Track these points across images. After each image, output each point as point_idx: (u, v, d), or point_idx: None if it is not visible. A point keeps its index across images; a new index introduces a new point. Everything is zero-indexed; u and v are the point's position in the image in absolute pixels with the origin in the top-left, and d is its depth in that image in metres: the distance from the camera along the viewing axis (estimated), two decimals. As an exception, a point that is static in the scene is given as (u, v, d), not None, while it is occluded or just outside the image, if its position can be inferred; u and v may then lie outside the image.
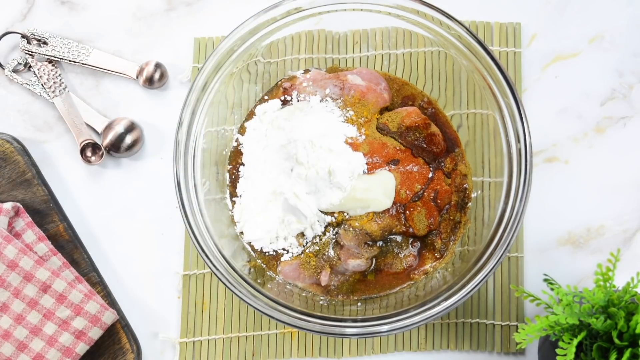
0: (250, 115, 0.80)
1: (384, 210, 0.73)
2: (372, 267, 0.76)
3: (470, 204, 0.77)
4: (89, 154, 0.82)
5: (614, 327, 0.63)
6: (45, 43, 0.84)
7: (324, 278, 0.75)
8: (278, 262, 0.76)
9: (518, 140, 0.70)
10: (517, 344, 0.77)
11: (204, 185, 0.74)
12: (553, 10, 0.85)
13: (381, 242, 0.75)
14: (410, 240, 0.76)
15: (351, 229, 0.73)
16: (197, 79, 0.73)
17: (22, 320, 0.75)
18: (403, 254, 0.76)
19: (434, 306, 0.68)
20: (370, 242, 0.74)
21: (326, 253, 0.75)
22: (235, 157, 0.79)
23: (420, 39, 0.78)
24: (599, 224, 0.81)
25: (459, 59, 0.75)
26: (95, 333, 0.76)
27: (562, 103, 0.82)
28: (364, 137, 0.75)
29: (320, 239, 0.75)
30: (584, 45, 0.84)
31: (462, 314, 0.79)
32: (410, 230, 0.74)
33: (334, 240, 0.75)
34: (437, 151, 0.77)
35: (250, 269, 0.75)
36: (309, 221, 0.74)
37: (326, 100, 0.78)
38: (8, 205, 0.77)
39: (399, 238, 0.76)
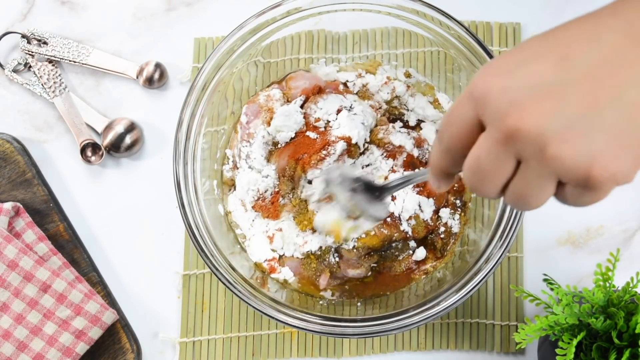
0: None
1: (381, 224, 0.73)
2: (370, 273, 0.76)
3: (470, 204, 0.77)
4: (89, 154, 0.82)
5: (614, 327, 0.63)
6: (45, 43, 0.84)
7: (323, 282, 0.75)
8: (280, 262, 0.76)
9: (518, 140, 0.70)
10: (516, 343, 0.77)
11: (204, 185, 0.74)
12: (553, 10, 0.85)
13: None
14: (410, 243, 0.75)
15: (354, 249, 0.73)
16: (197, 79, 0.73)
17: (22, 320, 0.75)
18: (402, 257, 0.76)
19: (433, 306, 0.68)
20: (371, 253, 0.74)
21: (327, 259, 0.75)
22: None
23: (420, 39, 0.78)
24: (599, 224, 0.81)
25: (459, 59, 0.75)
26: (95, 333, 0.76)
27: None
28: None
29: (321, 248, 0.74)
30: (584, 45, 0.84)
31: (462, 314, 0.79)
32: (409, 234, 0.74)
33: (334, 249, 0.74)
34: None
35: (250, 268, 0.75)
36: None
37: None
38: (8, 205, 0.77)
39: (398, 242, 0.75)
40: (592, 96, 0.41)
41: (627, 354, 0.61)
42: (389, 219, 0.73)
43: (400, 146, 0.75)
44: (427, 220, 0.74)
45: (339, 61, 0.82)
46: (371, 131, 0.77)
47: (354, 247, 0.72)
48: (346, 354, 0.79)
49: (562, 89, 0.41)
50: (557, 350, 0.63)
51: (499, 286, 0.79)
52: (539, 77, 0.42)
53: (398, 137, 0.76)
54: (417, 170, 0.69)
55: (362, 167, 0.75)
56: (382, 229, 0.72)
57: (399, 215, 0.73)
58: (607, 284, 0.65)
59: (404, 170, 0.74)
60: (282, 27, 0.76)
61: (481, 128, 0.45)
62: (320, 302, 0.75)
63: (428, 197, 0.74)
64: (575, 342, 0.62)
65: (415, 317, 0.68)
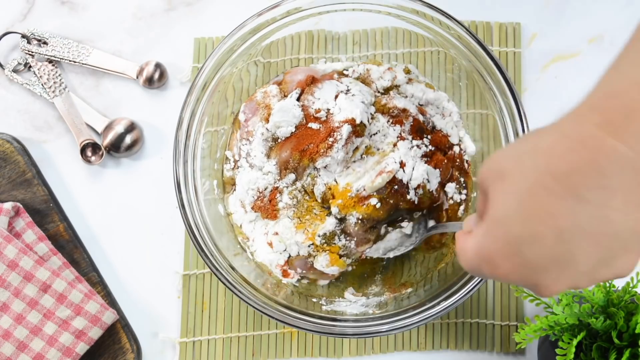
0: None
1: (388, 193, 0.72)
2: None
3: (471, 203, 0.77)
4: (89, 154, 0.82)
5: (614, 327, 0.63)
6: (45, 43, 0.84)
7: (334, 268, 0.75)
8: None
9: (518, 141, 0.70)
10: (516, 343, 0.77)
11: (204, 185, 0.74)
12: (553, 10, 0.85)
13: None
14: (415, 214, 0.75)
15: (359, 221, 0.72)
16: (197, 79, 0.73)
17: (22, 320, 0.75)
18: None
19: (433, 306, 0.68)
20: (376, 225, 0.74)
21: (334, 244, 0.74)
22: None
23: (420, 39, 0.78)
24: (599, 224, 0.80)
25: (459, 59, 0.75)
26: (95, 333, 0.76)
27: (562, 103, 0.82)
28: None
29: (325, 234, 0.74)
30: (584, 45, 0.84)
31: (462, 314, 0.79)
32: (415, 202, 0.73)
33: (339, 230, 0.74)
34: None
35: (250, 269, 0.75)
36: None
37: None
38: (8, 205, 0.77)
39: (404, 212, 0.75)
40: (597, 247, 0.46)
41: (627, 354, 0.61)
42: (396, 187, 0.72)
43: (404, 109, 0.75)
44: (432, 191, 0.74)
45: (339, 61, 0.82)
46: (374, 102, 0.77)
47: (358, 219, 0.72)
48: (346, 354, 0.79)
49: (570, 258, 0.46)
50: (557, 350, 0.63)
51: (499, 286, 0.79)
52: (545, 259, 0.46)
53: (402, 101, 0.76)
54: (452, 224, 0.73)
55: (370, 136, 0.75)
56: (388, 199, 0.72)
57: (407, 183, 0.73)
58: (607, 284, 0.65)
59: (413, 138, 0.74)
60: (282, 27, 0.76)
61: None
62: (321, 303, 0.75)
63: (435, 167, 0.74)
64: (575, 342, 0.62)
65: (415, 317, 0.68)
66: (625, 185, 0.45)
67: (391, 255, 0.75)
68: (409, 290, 0.75)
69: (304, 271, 0.75)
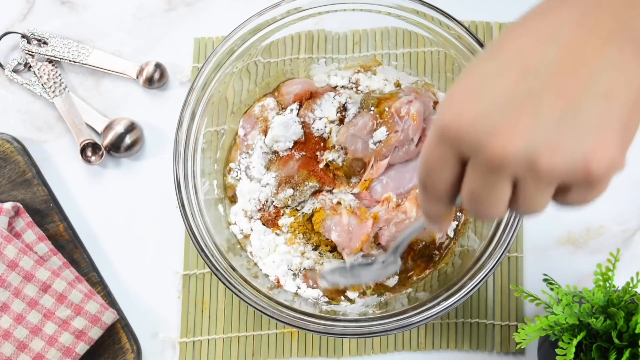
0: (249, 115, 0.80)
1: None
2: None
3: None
4: (89, 154, 0.82)
5: (614, 327, 0.63)
6: (45, 43, 0.84)
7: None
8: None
9: (518, 140, 0.70)
10: (516, 343, 0.77)
11: (204, 185, 0.74)
12: (553, 10, 0.85)
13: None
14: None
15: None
16: (197, 79, 0.73)
17: (22, 320, 0.75)
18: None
19: (433, 306, 0.68)
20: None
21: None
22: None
23: (420, 39, 0.78)
24: (599, 224, 0.81)
25: (459, 59, 0.75)
26: (95, 333, 0.76)
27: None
28: None
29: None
30: (584, 45, 0.84)
31: (462, 314, 0.79)
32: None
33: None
34: None
35: (250, 269, 0.75)
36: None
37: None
38: (8, 205, 0.77)
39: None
40: (563, 96, 0.40)
41: (627, 354, 0.61)
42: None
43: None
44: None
45: (339, 61, 0.82)
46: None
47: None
48: (346, 354, 0.79)
49: (532, 98, 0.40)
50: (557, 350, 0.63)
51: (499, 286, 0.79)
52: (505, 96, 0.41)
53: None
54: (411, 226, 0.69)
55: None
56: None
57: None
58: (607, 284, 0.65)
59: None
60: (282, 27, 0.76)
61: (462, 161, 0.44)
62: (321, 303, 0.75)
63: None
64: (575, 342, 0.62)
65: (415, 317, 0.68)
66: None
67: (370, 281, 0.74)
68: (409, 290, 0.75)
69: (315, 284, 0.76)
